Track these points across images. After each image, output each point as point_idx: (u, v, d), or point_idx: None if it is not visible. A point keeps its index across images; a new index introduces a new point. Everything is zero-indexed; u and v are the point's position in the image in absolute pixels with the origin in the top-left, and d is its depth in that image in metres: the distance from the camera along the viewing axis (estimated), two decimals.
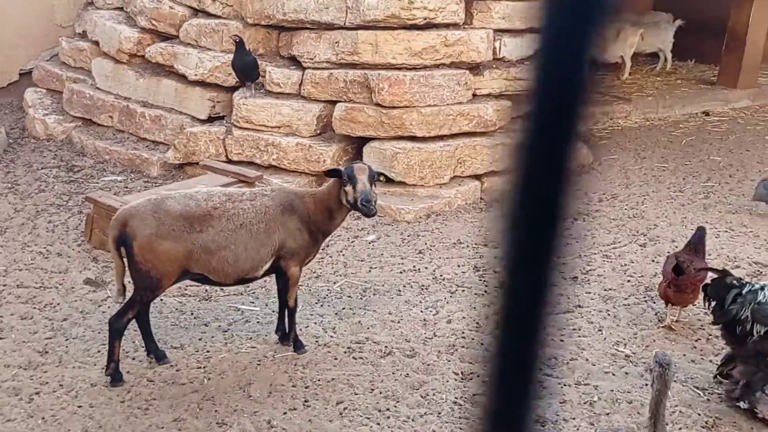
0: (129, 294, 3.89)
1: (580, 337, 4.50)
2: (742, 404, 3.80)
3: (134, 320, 4.00)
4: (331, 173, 4.06)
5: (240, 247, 3.86)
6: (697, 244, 4.72)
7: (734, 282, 3.91)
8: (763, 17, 10.30)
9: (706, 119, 9.80)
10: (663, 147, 8.59)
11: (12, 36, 8.60)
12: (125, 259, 3.79)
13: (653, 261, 5.56)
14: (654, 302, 4.93)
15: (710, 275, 4.21)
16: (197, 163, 6.72)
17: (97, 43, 8.07)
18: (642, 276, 5.33)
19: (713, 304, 3.97)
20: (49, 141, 7.70)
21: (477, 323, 4.63)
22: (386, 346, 4.31)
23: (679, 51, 11.61)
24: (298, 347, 4.23)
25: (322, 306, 4.79)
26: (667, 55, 11.45)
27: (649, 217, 6.48)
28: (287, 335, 4.27)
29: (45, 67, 8.47)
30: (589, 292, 5.07)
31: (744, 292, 3.84)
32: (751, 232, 6.19)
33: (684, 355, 4.37)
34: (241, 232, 3.85)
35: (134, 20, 7.79)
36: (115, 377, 3.87)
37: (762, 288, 3.82)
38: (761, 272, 5.40)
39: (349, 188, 3.91)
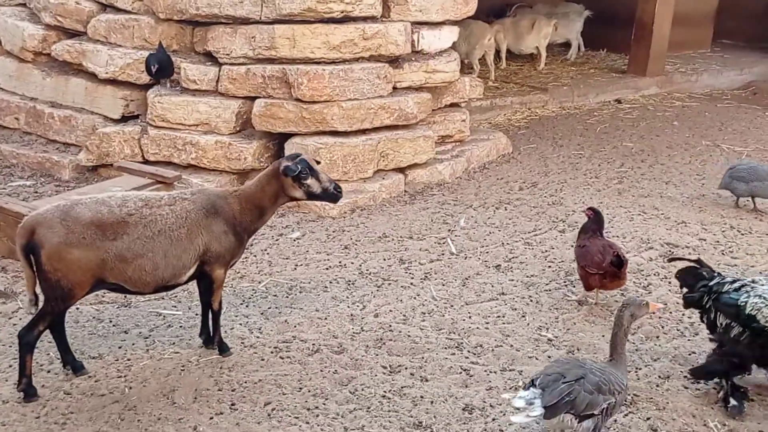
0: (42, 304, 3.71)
1: (504, 324, 4.59)
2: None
3: (49, 331, 3.82)
4: (286, 172, 3.94)
5: (158, 255, 3.71)
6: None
7: (704, 272, 4.01)
8: (668, 7, 10.76)
9: (618, 107, 10.16)
10: (579, 135, 8.85)
11: None
12: (35, 268, 3.61)
13: (572, 246, 5.72)
14: (574, 286, 5.08)
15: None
16: (112, 165, 6.48)
17: None
18: (562, 261, 5.48)
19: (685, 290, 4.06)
20: None
21: (404, 316, 4.65)
22: (314, 344, 4.28)
23: (591, 41, 12.00)
24: (223, 350, 4.14)
25: (247, 306, 4.70)
26: (575, 45, 11.81)
27: (568, 204, 6.66)
28: (211, 338, 4.17)
29: None
30: (512, 280, 5.18)
31: (711, 283, 3.91)
32: (662, 214, 6.46)
33: (603, 336, 4.51)
34: (160, 239, 3.71)
35: (38, 17, 7.43)
36: (28, 392, 3.69)
37: (732, 282, 3.87)
38: (672, 252, 5.64)
39: (311, 181, 4.01)
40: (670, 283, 5.13)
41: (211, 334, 4.18)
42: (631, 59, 11.19)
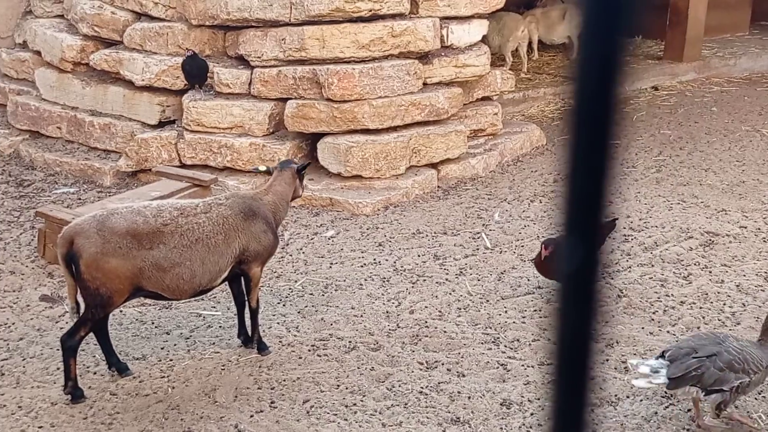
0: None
1: (541, 317, 4.57)
2: None
3: (93, 335, 3.94)
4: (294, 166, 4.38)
5: (196, 263, 3.80)
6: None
7: None
8: None
9: (655, 94, 9.98)
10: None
11: None
12: (75, 277, 3.74)
13: (609, 237, 5.66)
14: (612, 278, 5.02)
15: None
16: (150, 170, 6.63)
17: (38, 53, 7.87)
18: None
19: None
20: None
21: (439, 312, 4.66)
22: (350, 341, 4.33)
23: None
24: (262, 348, 4.22)
25: (284, 305, 4.77)
26: None
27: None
28: (250, 338, 4.25)
29: None
30: None
31: None
32: (702, 202, 6.34)
33: (642, 328, 4.47)
34: (198, 247, 3.80)
35: (76, 27, 7.62)
36: (75, 394, 3.81)
37: None
38: (713, 241, 5.54)
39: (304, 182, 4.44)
40: (710, 272, 5.04)
41: (250, 333, 4.26)
42: (666, 45, 10.96)
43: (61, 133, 7.60)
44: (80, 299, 3.81)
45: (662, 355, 3.37)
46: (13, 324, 4.56)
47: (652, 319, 4.56)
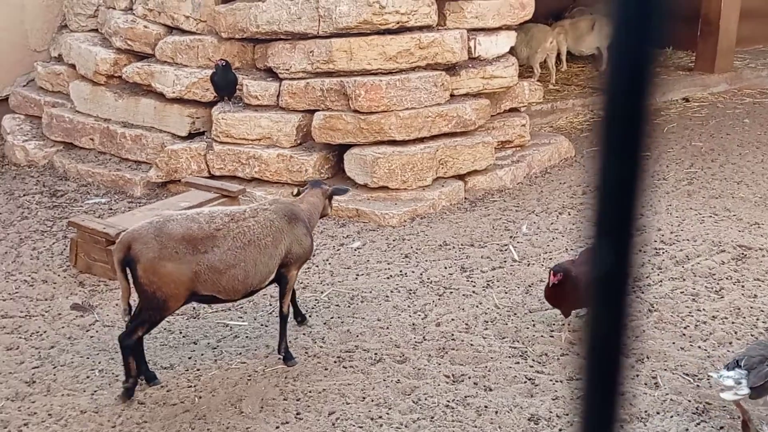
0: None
1: (570, 332, 4.51)
2: None
3: None
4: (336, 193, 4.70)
5: (250, 264, 3.95)
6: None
7: None
8: (735, 1, 10.37)
9: (686, 105, 9.85)
10: (645, 135, 8.62)
11: None
12: (133, 281, 3.87)
13: (640, 251, 5.57)
14: (643, 292, 4.95)
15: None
16: (180, 181, 6.71)
17: (73, 66, 8.03)
18: (630, 267, 5.35)
19: None
20: (30, 167, 7.67)
21: (466, 324, 4.63)
22: (376, 353, 4.31)
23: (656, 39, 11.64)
24: (288, 359, 4.23)
25: (310, 316, 4.78)
26: None
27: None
28: (303, 316, 4.55)
29: (22, 93, 8.43)
30: None
31: None
32: (734, 215, 6.22)
33: (673, 342, 4.39)
34: (250, 249, 3.95)
35: (109, 41, 7.77)
36: (128, 392, 3.91)
37: None
38: (745, 255, 5.43)
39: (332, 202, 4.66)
40: (743, 287, 4.94)
41: (277, 343, 4.28)
42: (697, 56, 10.82)
43: (93, 145, 7.73)
44: (132, 302, 3.91)
45: (737, 364, 3.40)
46: (45, 332, 4.63)
47: (683, 334, 4.48)
